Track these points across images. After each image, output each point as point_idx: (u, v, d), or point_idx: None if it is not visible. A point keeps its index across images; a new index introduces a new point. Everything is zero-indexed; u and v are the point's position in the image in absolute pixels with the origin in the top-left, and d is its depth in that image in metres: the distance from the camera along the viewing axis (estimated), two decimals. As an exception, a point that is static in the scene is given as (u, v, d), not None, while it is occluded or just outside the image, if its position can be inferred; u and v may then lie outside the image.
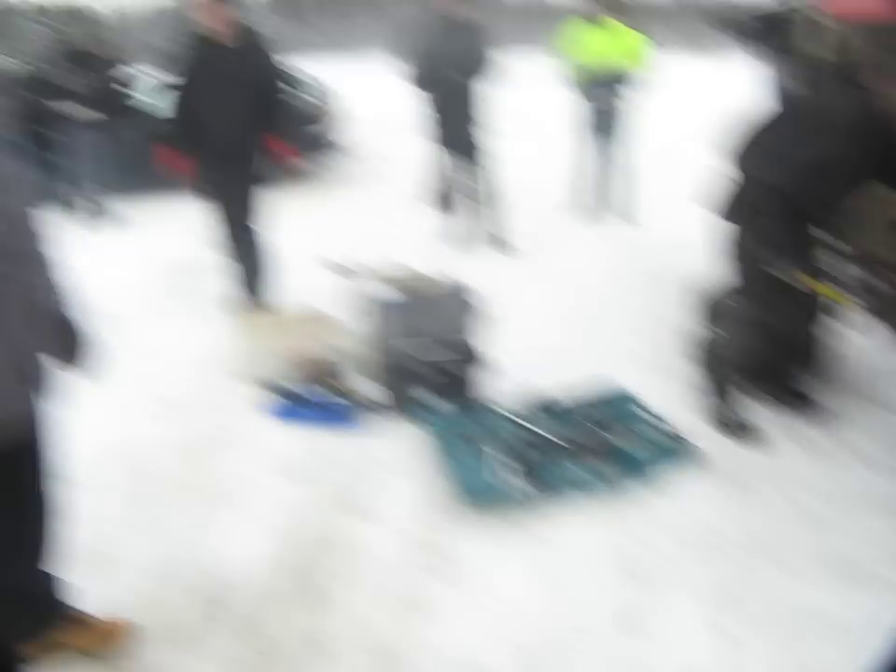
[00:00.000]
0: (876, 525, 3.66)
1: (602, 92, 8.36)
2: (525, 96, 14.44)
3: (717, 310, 4.59)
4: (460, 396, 4.66)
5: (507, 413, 4.42)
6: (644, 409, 4.45)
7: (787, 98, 5.64)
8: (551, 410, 4.48)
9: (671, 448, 4.12)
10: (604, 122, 8.51)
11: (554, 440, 4.16)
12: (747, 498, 3.89)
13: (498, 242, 7.92)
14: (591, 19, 8.30)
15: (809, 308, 4.16)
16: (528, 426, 4.29)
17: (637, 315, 6.08)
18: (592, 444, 4.13)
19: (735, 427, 4.38)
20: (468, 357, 4.70)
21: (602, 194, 8.85)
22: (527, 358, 5.15)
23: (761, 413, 4.49)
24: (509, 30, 18.32)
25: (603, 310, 6.21)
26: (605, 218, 8.82)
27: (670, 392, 4.77)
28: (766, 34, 5.71)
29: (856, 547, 3.53)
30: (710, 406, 4.49)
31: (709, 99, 13.16)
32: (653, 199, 8.88)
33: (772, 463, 4.15)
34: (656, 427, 4.28)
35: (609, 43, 8.23)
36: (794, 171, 3.79)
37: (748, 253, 4.13)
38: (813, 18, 5.23)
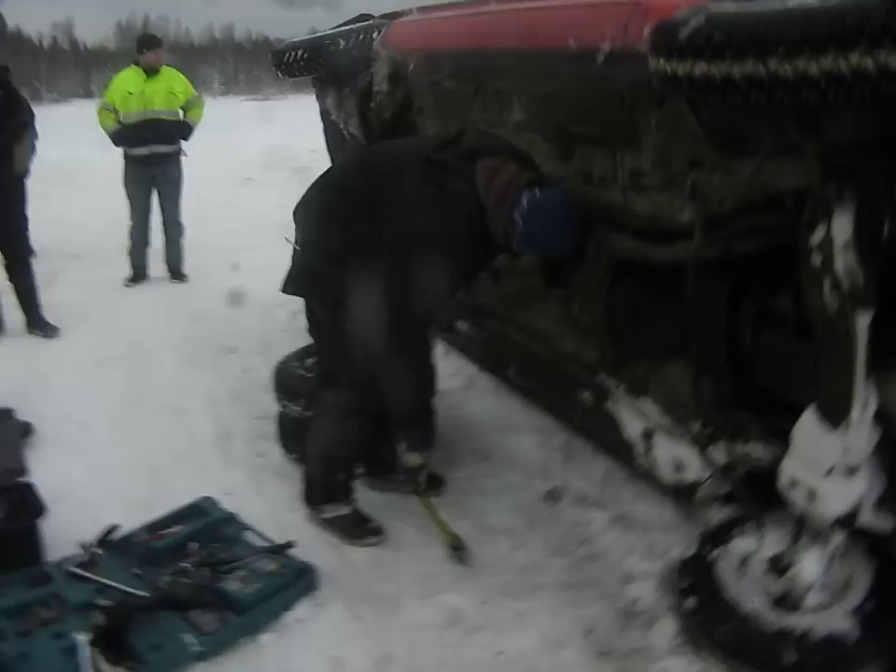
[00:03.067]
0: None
1: (148, 140, 7.86)
2: (69, 148, 13.88)
3: (301, 387, 4.30)
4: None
5: (70, 569, 3.39)
6: (245, 528, 3.70)
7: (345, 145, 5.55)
8: (125, 549, 3.56)
9: (284, 574, 3.40)
10: (150, 173, 8.00)
11: (131, 591, 3.26)
12: (386, 615, 3.34)
13: (38, 321, 6.73)
14: (136, 64, 7.95)
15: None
16: (96, 578, 3.34)
17: (218, 400, 5.34)
18: (184, 590, 3.26)
19: (354, 527, 3.83)
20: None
21: (166, 251, 8.35)
22: (93, 483, 4.27)
23: (378, 501, 4.05)
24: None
25: (177, 398, 5.35)
26: (168, 279, 8.31)
27: (276, 497, 4.16)
28: (314, 67, 5.35)
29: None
30: (322, 506, 3.88)
31: (271, 144, 13.50)
32: (212, 254, 8.57)
33: (407, 565, 3.66)
34: (263, 551, 3.53)
35: (153, 88, 7.91)
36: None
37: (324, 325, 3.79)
38: (373, 49, 4.96)
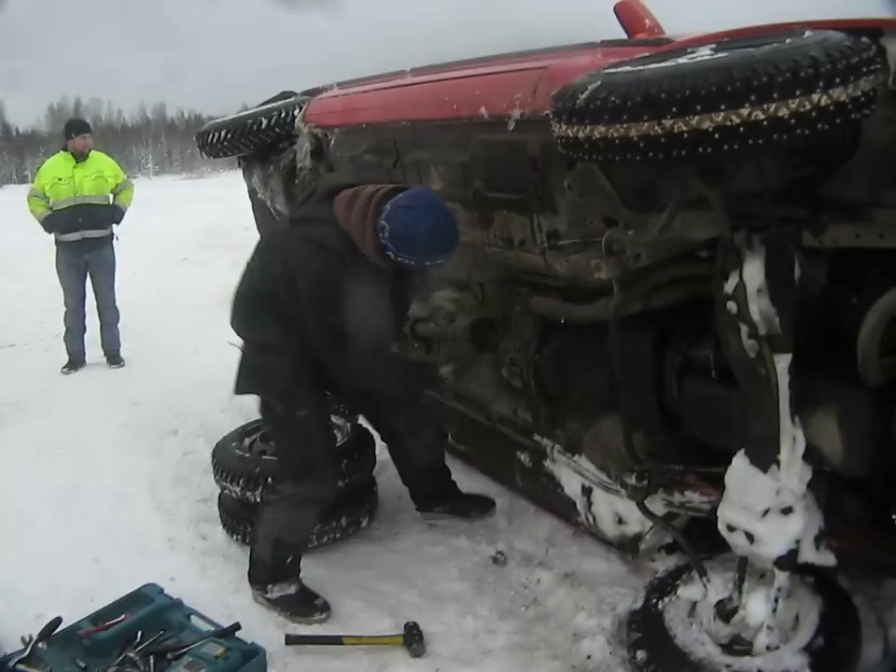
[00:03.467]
0: None
1: (79, 226, 7.80)
2: (4, 234, 13.96)
3: (241, 468, 4.26)
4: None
5: (14, 665, 3.24)
6: (191, 613, 3.59)
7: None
8: (69, 641, 3.42)
9: (231, 658, 3.24)
10: (83, 258, 7.93)
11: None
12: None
13: None
14: (65, 150, 7.94)
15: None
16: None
17: (159, 484, 5.24)
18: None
19: (300, 605, 3.77)
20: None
21: (102, 336, 8.20)
22: (35, 575, 4.11)
23: (323, 576, 4.00)
24: None
25: (117, 484, 5.23)
26: (105, 364, 8.15)
27: (220, 580, 4.08)
28: (238, 147, 5.35)
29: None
30: (268, 586, 3.81)
31: (205, 223, 13.65)
32: (149, 337, 8.58)
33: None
34: (209, 635, 3.40)
35: (82, 174, 7.84)
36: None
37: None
38: (296, 126, 5.00)
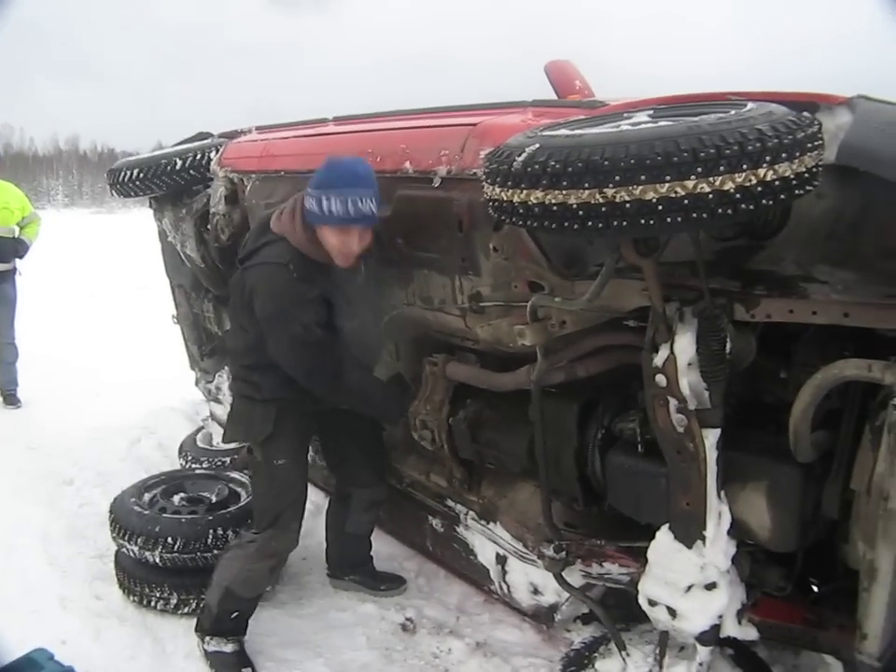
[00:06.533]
0: None
1: None
2: None
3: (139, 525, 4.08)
4: None
5: None
6: None
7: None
8: None
9: None
10: None
11: None
12: None
13: None
14: None
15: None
16: None
17: (52, 537, 4.94)
18: None
19: (228, 668, 3.65)
20: None
21: None
22: None
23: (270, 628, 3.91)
24: None
25: (8, 536, 4.91)
26: (1, 405, 7.82)
27: (115, 644, 3.87)
28: (150, 187, 5.20)
29: None
30: (208, 637, 3.69)
31: (113, 259, 13.68)
32: (49, 377, 8.22)
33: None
34: None
35: None
36: None
37: None
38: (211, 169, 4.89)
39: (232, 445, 4.83)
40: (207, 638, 3.68)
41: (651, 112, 2.31)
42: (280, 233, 3.38)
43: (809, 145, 1.94)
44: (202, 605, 3.80)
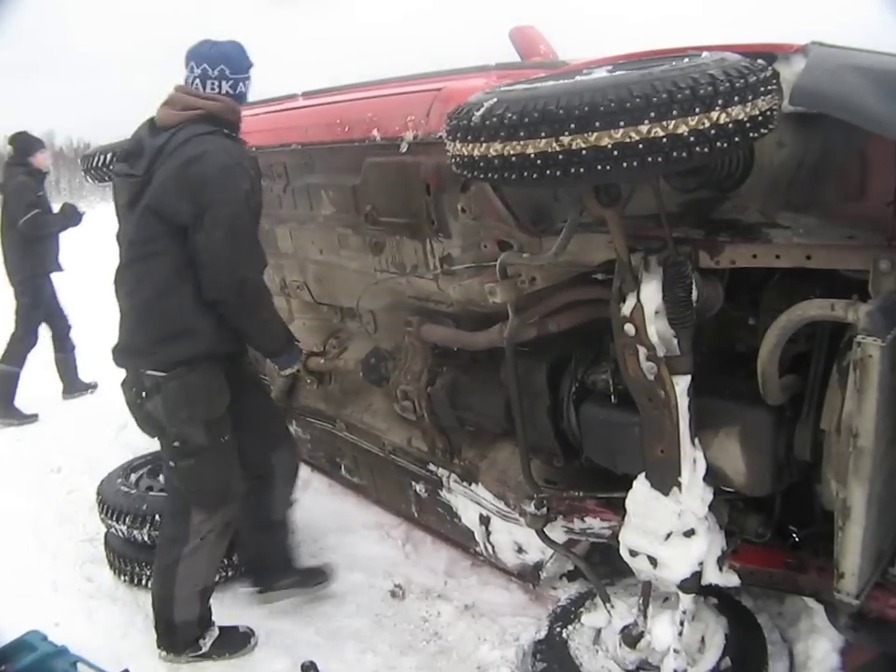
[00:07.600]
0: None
1: None
2: None
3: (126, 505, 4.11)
4: None
5: None
6: (77, 660, 3.33)
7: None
8: None
9: None
10: None
11: None
12: None
13: None
14: None
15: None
16: None
17: (42, 524, 5.00)
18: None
19: (233, 641, 3.69)
20: None
21: None
22: None
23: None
24: None
25: None
26: None
27: (108, 624, 3.91)
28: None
29: None
30: (198, 642, 3.63)
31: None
32: (34, 366, 7.87)
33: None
34: None
35: None
36: None
37: None
38: None
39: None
40: (198, 643, 3.62)
41: (611, 68, 2.33)
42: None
43: (762, 88, 1.96)
44: (169, 627, 3.62)
